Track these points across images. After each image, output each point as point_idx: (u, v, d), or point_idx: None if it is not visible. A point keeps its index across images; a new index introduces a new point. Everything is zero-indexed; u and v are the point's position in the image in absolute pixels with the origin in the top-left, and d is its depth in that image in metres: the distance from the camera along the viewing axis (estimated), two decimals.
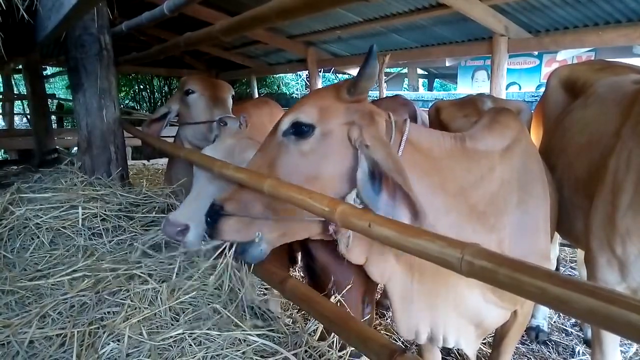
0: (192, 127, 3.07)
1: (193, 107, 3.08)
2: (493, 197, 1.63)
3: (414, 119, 3.53)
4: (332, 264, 1.85)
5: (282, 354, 1.50)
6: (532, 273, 0.80)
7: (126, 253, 2.23)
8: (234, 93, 3.30)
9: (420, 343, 1.80)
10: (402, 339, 3.20)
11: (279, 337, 1.62)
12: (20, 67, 7.30)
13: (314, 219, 1.51)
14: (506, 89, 5.32)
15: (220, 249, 1.70)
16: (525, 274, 0.81)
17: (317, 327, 1.68)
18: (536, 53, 9.31)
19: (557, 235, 2.85)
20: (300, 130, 1.50)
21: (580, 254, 3.42)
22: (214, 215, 1.57)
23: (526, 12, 4.45)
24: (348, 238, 1.50)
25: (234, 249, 1.66)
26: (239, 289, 1.77)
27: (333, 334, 1.59)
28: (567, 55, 8.85)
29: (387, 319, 3.55)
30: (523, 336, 3.29)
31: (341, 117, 1.51)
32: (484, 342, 3.00)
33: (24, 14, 2.56)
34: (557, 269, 3.96)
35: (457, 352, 3.04)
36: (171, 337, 1.51)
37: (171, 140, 3.35)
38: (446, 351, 2.99)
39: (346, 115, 1.51)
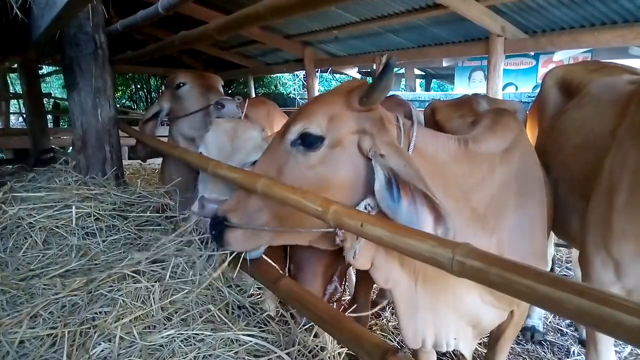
0: (188, 118, 3.01)
1: (186, 99, 3.05)
2: (493, 199, 1.62)
3: (409, 119, 3.53)
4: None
5: (275, 353, 1.50)
6: (523, 273, 0.80)
7: (120, 252, 2.21)
8: (223, 83, 3.30)
9: (426, 350, 1.78)
10: (397, 340, 3.19)
11: (272, 337, 1.61)
12: (16, 66, 7.27)
13: (320, 230, 1.49)
14: (503, 89, 5.32)
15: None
16: (516, 274, 0.81)
17: (312, 327, 1.67)
18: (533, 54, 9.31)
19: (552, 235, 2.85)
20: (308, 141, 1.45)
21: (575, 254, 3.42)
22: (218, 226, 1.55)
23: (522, 13, 4.46)
24: (355, 248, 1.46)
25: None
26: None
27: (325, 333, 1.59)
28: (563, 56, 8.86)
29: (382, 319, 3.54)
30: (518, 336, 3.29)
31: (351, 126, 1.46)
32: (479, 342, 2.99)
33: (18, 12, 2.54)
34: (553, 269, 3.97)
35: (453, 352, 3.03)
36: (163, 337, 1.50)
37: (166, 140, 3.33)
38: (442, 351, 2.99)
39: (357, 124, 1.46)
